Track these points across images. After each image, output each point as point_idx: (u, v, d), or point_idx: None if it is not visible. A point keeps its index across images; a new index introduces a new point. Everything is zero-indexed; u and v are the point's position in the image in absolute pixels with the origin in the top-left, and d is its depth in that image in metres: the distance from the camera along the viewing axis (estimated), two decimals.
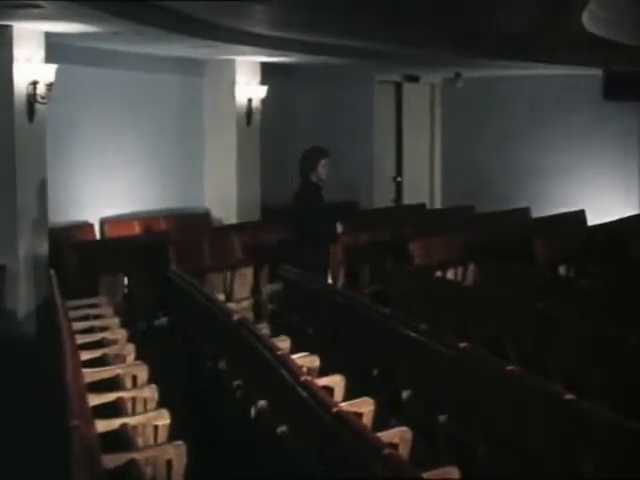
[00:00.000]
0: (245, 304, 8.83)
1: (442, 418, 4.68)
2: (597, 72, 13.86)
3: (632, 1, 9.28)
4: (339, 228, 8.25)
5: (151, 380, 4.97)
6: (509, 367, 4.38)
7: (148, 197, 11.71)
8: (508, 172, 14.97)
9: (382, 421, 4.48)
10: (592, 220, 12.83)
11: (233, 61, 12.04)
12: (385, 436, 3.88)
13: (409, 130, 16.22)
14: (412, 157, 16.25)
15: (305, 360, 5.28)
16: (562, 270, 9.90)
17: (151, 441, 4.26)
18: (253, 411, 4.88)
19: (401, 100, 16.18)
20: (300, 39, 10.21)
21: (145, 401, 4.66)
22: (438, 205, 15.93)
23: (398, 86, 16.08)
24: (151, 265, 9.03)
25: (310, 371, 5.11)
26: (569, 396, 3.82)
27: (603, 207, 13.42)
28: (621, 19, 9.44)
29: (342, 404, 4.27)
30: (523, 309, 6.48)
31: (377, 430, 4.06)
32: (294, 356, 5.22)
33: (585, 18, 8.55)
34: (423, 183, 16.23)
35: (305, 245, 8.02)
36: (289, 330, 6.42)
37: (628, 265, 9.61)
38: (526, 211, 13.67)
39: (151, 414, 4.38)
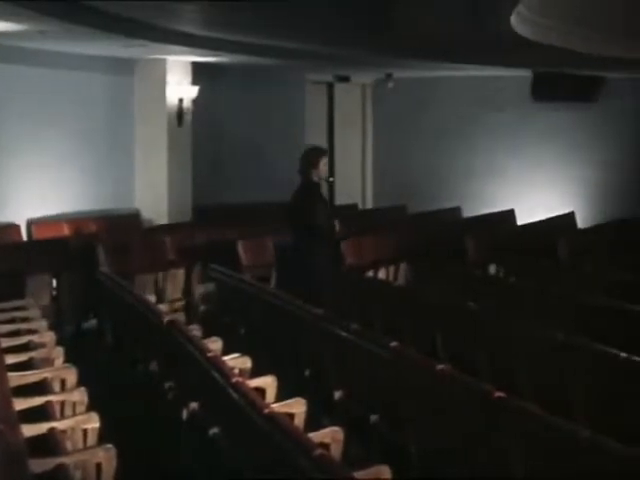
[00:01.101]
0: (177, 305, 8.77)
1: (374, 418, 4.69)
2: (527, 73, 14.06)
3: (560, 3, 9.43)
4: (337, 226, 8.32)
5: (80, 383, 4.89)
6: (440, 366, 4.41)
7: (77, 198, 11.55)
8: (439, 172, 15.10)
9: (314, 421, 4.48)
10: (522, 219, 13.01)
11: (164, 61, 11.94)
12: (316, 436, 3.87)
13: (341, 131, 16.27)
14: (344, 158, 16.30)
15: (237, 361, 5.25)
16: (492, 269, 10.02)
17: (80, 445, 4.19)
18: (185, 413, 4.84)
19: (333, 100, 16.22)
20: (232, 39, 10.16)
21: (74, 405, 4.59)
22: (370, 205, 16.00)
23: (330, 86, 16.13)
24: (80, 267, 8.91)
25: (242, 372, 5.08)
26: (499, 394, 3.86)
27: (532, 206, 13.62)
28: (549, 21, 9.58)
29: (274, 405, 4.26)
30: (454, 308, 6.52)
31: (309, 430, 4.05)
32: (226, 357, 5.19)
33: (514, 20, 8.66)
34: (355, 183, 16.29)
35: (309, 243, 8.06)
36: (221, 331, 6.38)
37: (557, 264, 9.76)
38: (457, 211, 13.81)
39: (80, 417, 4.31)
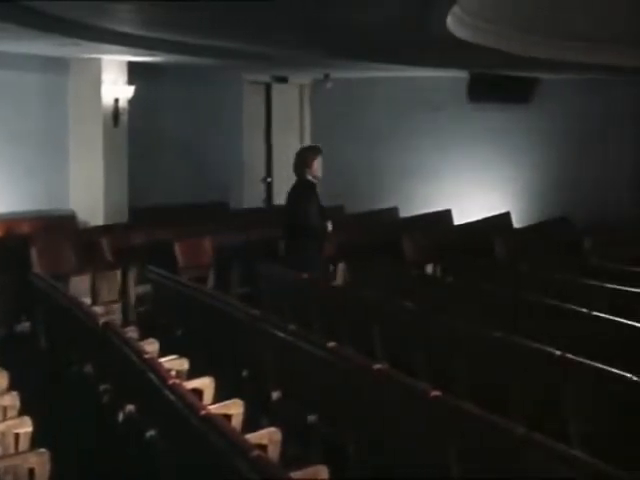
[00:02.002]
0: (113, 307, 8.66)
1: (312, 418, 4.68)
2: (463, 74, 14.18)
3: (495, 6, 9.52)
4: (329, 226, 8.32)
5: (11, 387, 4.80)
6: (377, 366, 4.41)
7: (10, 199, 11.37)
8: (377, 172, 15.15)
9: (252, 422, 4.45)
10: (458, 219, 13.12)
11: (99, 60, 11.80)
12: (254, 437, 3.85)
13: (279, 131, 16.24)
14: (282, 158, 16.26)
15: (174, 363, 5.20)
16: (430, 269, 10.08)
17: (12, 449, 4.11)
18: (121, 415, 4.78)
19: (270, 101, 16.19)
20: (168, 39, 10.08)
21: (5, 409, 4.50)
22: None
23: (267, 87, 16.09)
24: (12, 268, 8.75)
25: (179, 374, 5.04)
26: (436, 393, 3.87)
27: (469, 207, 13.74)
28: (484, 23, 9.67)
29: (211, 406, 4.23)
30: (391, 308, 6.54)
31: (247, 432, 4.03)
32: (163, 359, 5.15)
33: (450, 21, 8.71)
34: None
35: (302, 242, 8.10)
36: (158, 333, 6.31)
37: (494, 263, 9.86)
38: (394, 211, 13.88)
39: (12, 422, 4.22)
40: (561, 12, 10.33)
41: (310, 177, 8.19)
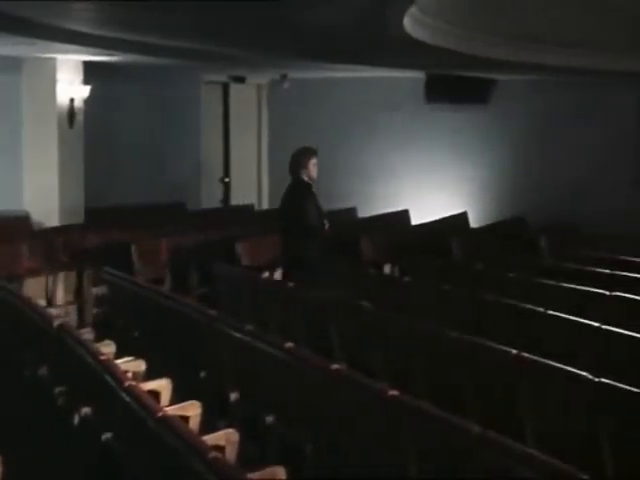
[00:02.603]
0: (68, 309, 8.59)
1: (269, 419, 4.67)
2: (420, 75, 14.24)
3: (453, 6, 9.56)
4: (327, 225, 8.44)
5: None
6: (335, 366, 4.42)
7: None
8: (335, 172, 15.12)
9: (210, 424, 4.44)
10: (416, 220, 13.17)
11: (54, 59, 11.67)
12: (211, 439, 3.83)
13: (236, 131, 16.21)
14: (240, 158, 16.25)
15: (130, 365, 5.17)
16: (387, 269, 10.11)
17: None
18: (76, 418, 4.73)
19: (228, 101, 16.15)
20: (125, 38, 10.00)
21: None
22: (266, 206, 15.97)
23: (225, 86, 16.05)
24: None
25: (136, 376, 5.00)
26: (393, 393, 3.88)
27: (427, 207, 13.79)
28: (442, 24, 9.71)
29: (168, 408, 4.20)
30: (349, 308, 6.55)
31: (204, 433, 4.01)
32: (119, 361, 5.11)
33: (407, 22, 8.74)
34: (251, 184, 16.24)
35: (302, 242, 8.19)
36: (114, 334, 6.27)
37: (450, 262, 9.91)
38: (352, 211, 13.89)
39: None
40: (517, 12, 10.41)
41: (306, 178, 8.29)
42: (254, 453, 4.58)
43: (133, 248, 9.38)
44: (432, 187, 14.53)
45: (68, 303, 8.71)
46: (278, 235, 8.63)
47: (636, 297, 6.54)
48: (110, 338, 5.85)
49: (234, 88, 16.07)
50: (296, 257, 8.24)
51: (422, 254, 9.81)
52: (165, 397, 4.72)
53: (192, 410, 4.33)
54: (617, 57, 11.92)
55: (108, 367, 4.44)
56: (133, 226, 10.87)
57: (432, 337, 5.41)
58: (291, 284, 7.50)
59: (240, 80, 15.69)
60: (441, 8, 9.26)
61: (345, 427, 4.20)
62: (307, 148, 8.46)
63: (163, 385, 4.77)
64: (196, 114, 15.12)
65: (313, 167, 8.32)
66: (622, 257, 8.97)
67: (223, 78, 15.58)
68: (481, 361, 4.90)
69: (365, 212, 13.62)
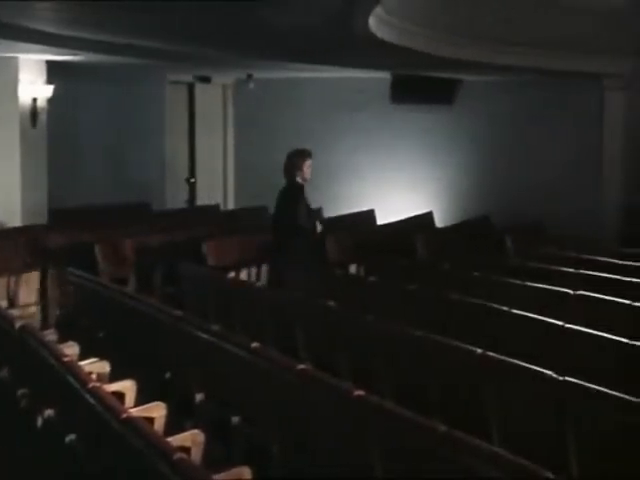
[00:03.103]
0: (31, 310, 8.50)
1: (235, 419, 4.65)
2: (386, 75, 14.27)
3: (418, 7, 9.59)
4: (319, 226, 8.75)
5: None
6: (300, 366, 4.40)
7: None
8: None
9: (176, 425, 4.41)
10: (382, 219, 13.18)
11: (16, 59, 11.55)
12: (176, 440, 3.81)
13: (202, 131, 16.15)
14: (205, 158, 16.19)
15: (95, 366, 5.13)
16: (353, 269, 10.11)
17: None
18: (40, 420, 4.68)
19: (193, 101, 16.08)
20: (89, 38, 9.92)
21: None
22: (232, 206, 15.93)
23: (190, 86, 15.98)
24: None
25: (100, 377, 4.97)
26: (359, 393, 3.88)
27: (393, 207, 13.82)
28: (407, 24, 9.74)
29: (133, 409, 4.17)
30: (315, 308, 6.54)
31: (170, 434, 3.99)
32: (83, 362, 5.07)
33: (372, 22, 8.75)
34: (217, 184, 16.19)
35: (292, 242, 8.38)
36: (78, 336, 6.21)
37: (416, 262, 9.92)
38: (318, 211, 13.85)
39: None
40: (482, 15, 10.47)
41: (300, 179, 8.47)
42: (220, 454, 4.55)
43: (97, 248, 9.31)
44: (398, 187, 14.56)
45: (30, 304, 8.61)
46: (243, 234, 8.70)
47: (600, 296, 6.59)
48: (74, 339, 5.80)
49: (199, 88, 16.02)
50: (287, 257, 8.39)
51: (387, 254, 9.82)
52: (130, 398, 4.69)
53: (157, 411, 4.30)
54: (579, 58, 12.08)
55: (71, 368, 4.40)
56: (97, 226, 10.78)
57: (397, 337, 5.41)
58: (257, 283, 7.49)
59: (205, 80, 15.63)
60: (406, 9, 9.29)
61: (311, 427, 4.19)
62: (302, 150, 8.69)
63: (128, 386, 4.74)
64: (161, 114, 15.04)
65: (307, 169, 8.51)
66: (587, 256, 9.04)
67: (188, 78, 15.53)
68: (446, 361, 4.91)
69: (332, 212, 13.60)
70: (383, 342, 5.45)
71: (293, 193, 8.47)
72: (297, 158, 8.52)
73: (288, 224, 8.41)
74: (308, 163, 8.49)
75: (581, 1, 11.98)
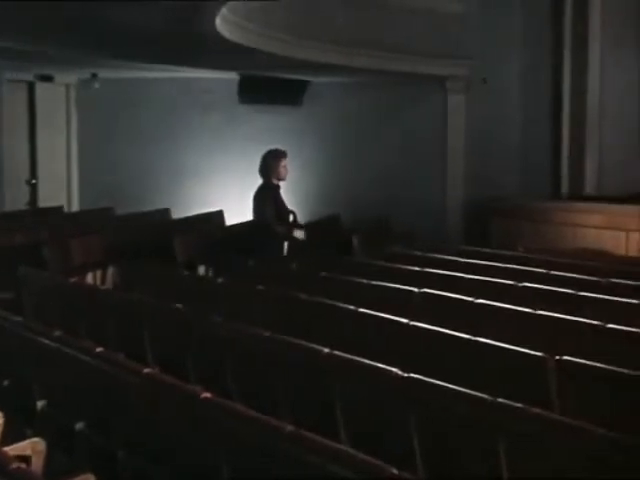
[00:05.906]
0: None
1: (80, 425, 4.54)
2: (234, 75, 14.27)
3: (264, 8, 9.63)
4: (292, 217, 9.37)
5: None
6: (147, 370, 4.34)
7: None
8: (148, 173, 14.95)
9: (16, 434, 4.27)
10: (231, 219, 13.14)
11: None
12: (15, 449, 3.69)
13: (44, 131, 15.69)
14: (48, 159, 15.74)
15: None
16: (202, 270, 10.05)
17: None
18: None
19: (34, 101, 15.60)
20: None
21: None
22: (76, 207, 15.56)
23: (31, 86, 15.50)
24: None
25: None
26: (206, 395, 3.85)
27: (245, 207, 13.80)
28: (253, 25, 9.76)
29: None
30: (162, 311, 6.44)
31: (10, 444, 3.86)
32: None
33: (218, 22, 8.73)
34: (60, 185, 15.77)
35: (262, 240, 8.94)
36: None
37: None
38: (166, 212, 13.71)
39: None
40: (326, 17, 10.61)
41: (275, 180, 8.89)
42: (63, 462, 4.43)
43: None
44: (248, 187, 14.55)
45: None
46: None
47: (443, 293, 6.75)
48: None
49: (41, 87, 15.55)
50: (259, 254, 8.82)
51: (236, 254, 9.80)
52: None
53: None
54: (421, 62, 12.47)
55: None
56: None
57: (246, 338, 5.39)
58: (103, 287, 7.34)
59: (47, 79, 15.20)
60: (251, 9, 9.31)
61: (158, 431, 4.13)
62: (277, 150, 8.86)
63: None
64: None
65: (283, 169, 8.99)
66: (431, 255, 9.25)
67: (29, 77, 15.06)
68: (294, 361, 4.92)
69: (182, 213, 13.48)
70: (232, 343, 5.42)
71: (264, 194, 8.91)
72: (271, 159, 8.75)
73: (258, 223, 8.93)
74: (283, 163, 8.87)
75: (424, 5, 12.35)
